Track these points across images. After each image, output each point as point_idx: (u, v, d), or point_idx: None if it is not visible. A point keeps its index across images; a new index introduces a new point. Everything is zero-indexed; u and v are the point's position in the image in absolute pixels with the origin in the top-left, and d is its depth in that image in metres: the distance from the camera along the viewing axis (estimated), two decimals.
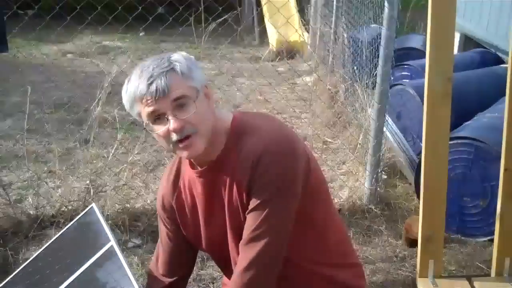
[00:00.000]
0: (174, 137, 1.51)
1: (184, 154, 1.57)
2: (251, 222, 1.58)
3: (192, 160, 1.67)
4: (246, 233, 1.59)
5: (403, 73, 5.34)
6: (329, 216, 1.79)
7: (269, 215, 1.56)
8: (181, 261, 1.87)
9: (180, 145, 1.54)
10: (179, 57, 1.54)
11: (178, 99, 1.49)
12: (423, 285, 2.79)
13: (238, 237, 1.65)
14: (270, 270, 1.60)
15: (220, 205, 1.66)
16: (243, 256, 1.60)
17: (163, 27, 4.20)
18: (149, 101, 1.48)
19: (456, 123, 3.85)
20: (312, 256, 1.74)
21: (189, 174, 1.71)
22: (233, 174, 1.59)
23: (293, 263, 1.69)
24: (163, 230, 1.86)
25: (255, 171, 1.54)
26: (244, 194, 1.58)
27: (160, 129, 1.52)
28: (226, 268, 1.82)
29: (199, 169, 1.66)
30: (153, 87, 1.46)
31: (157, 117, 1.51)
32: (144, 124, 1.56)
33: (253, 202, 1.56)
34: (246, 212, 1.59)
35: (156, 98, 1.47)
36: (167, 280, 1.85)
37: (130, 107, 1.55)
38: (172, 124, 1.49)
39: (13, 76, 5.38)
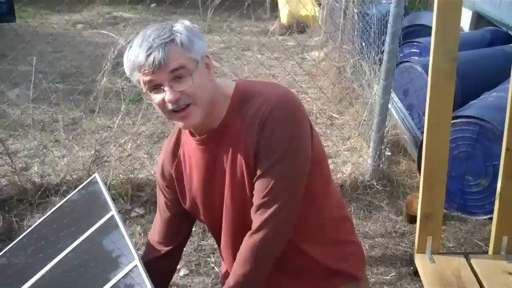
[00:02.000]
0: (170, 106, 1.52)
1: (181, 124, 1.58)
2: (262, 185, 1.56)
3: (191, 129, 1.68)
4: (258, 197, 1.57)
5: (412, 50, 5.30)
6: (329, 191, 1.79)
7: (281, 177, 1.55)
8: (178, 230, 1.88)
9: (177, 115, 1.55)
10: (181, 28, 1.53)
11: (175, 70, 1.49)
12: (420, 260, 2.82)
13: (236, 209, 1.65)
14: (282, 232, 1.60)
15: (220, 175, 1.65)
16: (256, 220, 1.58)
17: None
18: (146, 71, 1.49)
19: (463, 102, 3.84)
20: (309, 233, 1.73)
21: (189, 143, 1.72)
22: (237, 141, 1.59)
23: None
24: (161, 199, 1.87)
25: (263, 132, 1.54)
26: (251, 158, 1.57)
27: (157, 98, 1.53)
28: (222, 242, 1.81)
29: (199, 137, 1.67)
30: (151, 58, 1.47)
31: (155, 86, 1.52)
32: (143, 91, 1.57)
33: (263, 165, 1.55)
34: (255, 178, 1.58)
35: (154, 69, 1.48)
36: (163, 248, 1.86)
37: (130, 74, 1.56)
38: (167, 95, 1.50)
39: (22, 46, 5.40)
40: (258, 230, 1.58)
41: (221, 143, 1.63)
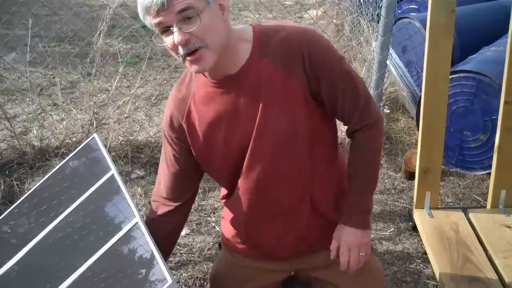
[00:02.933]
0: (181, 50, 1.47)
1: (193, 68, 1.52)
2: (336, 94, 1.62)
3: (206, 74, 1.62)
4: (351, 106, 1.65)
5: (411, 6, 5.24)
6: (339, 146, 1.83)
7: (344, 76, 1.62)
8: (186, 185, 1.83)
9: (189, 59, 1.50)
10: None
11: (183, 11, 1.43)
12: (419, 215, 2.85)
13: (282, 138, 1.63)
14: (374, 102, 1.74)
15: (246, 114, 1.61)
16: (359, 121, 1.68)
17: None
18: (153, 13, 1.44)
19: (462, 58, 3.81)
20: (327, 189, 1.78)
21: (203, 89, 1.66)
22: (271, 78, 1.57)
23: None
24: (169, 152, 1.80)
25: (303, 55, 1.56)
26: (301, 87, 1.58)
27: (168, 41, 1.48)
28: (232, 188, 1.80)
29: (218, 80, 1.62)
30: None
31: (165, 29, 1.47)
32: (156, 34, 1.52)
33: (323, 81, 1.59)
34: (328, 100, 1.62)
35: (160, 10, 1.43)
36: (172, 204, 1.83)
37: (143, 17, 1.51)
38: (176, 37, 1.45)
39: (17, 9, 5.34)
40: (371, 124, 1.69)
41: (245, 83, 1.59)
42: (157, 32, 1.51)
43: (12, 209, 2.27)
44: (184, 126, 1.72)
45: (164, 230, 1.83)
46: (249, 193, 1.74)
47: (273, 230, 1.80)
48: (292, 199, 1.74)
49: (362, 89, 1.67)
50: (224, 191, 1.89)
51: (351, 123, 1.70)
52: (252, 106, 1.60)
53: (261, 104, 1.59)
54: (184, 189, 1.84)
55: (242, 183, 1.74)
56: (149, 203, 3.11)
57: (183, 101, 1.71)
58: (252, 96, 1.60)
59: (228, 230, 1.92)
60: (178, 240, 2.86)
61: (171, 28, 1.46)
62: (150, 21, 1.48)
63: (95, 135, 2.36)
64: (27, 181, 3.33)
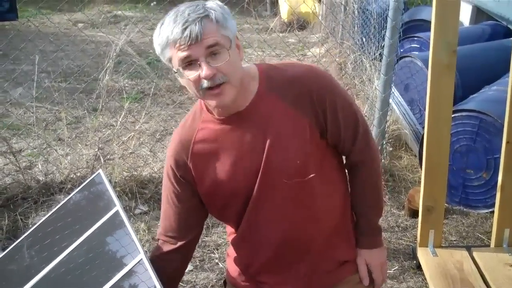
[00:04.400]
0: (205, 84, 1.52)
1: (214, 102, 1.57)
2: (348, 132, 1.69)
3: (213, 111, 1.66)
4: (350, 140, 1.70)
5: (413, 45, 5.31)
6: (342, 170, 1.85)
7: (347, 110, 1.68)
8: (191, 223, 1.84)
9: (211, 92, 1.54)
10: (214, 5, 1.54)
11: (211, 47, 1.49)
12: (423, 254, 2.84)
13: (293, 171, 1.65)
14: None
15: (254, 149, 1.64)
16: (359, 156, 1.75)
17: None
18: (182, 46, 1.48)
19: (463, 96, 3.85)
20: (333, 217, 1.79)
21: (209, 127, 1.69)
22: (281, 115, 1.62)
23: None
24: (172, 192, 1.81)
25: (310, 92, 1.61)
26: (309, 123, 1.63)
27: (191, 74, 1.52)
28: (238, 225, 1.80)
29: (223, 117, 1.65)
30: (188, 32, 1.46)
31: (190, 62, 1.51)
32: (174, 69, 1.56)
33: (329, 116, 1.64)
34: (331, 134, 1.67)
35: (190, 43, 1.47)
36: (177, 242, 1.83)
37: (162, 50, 1.55)
38: (204, 70, 1.49)
39: (24, 45, 5.43)
40: (368, 158, 1.77)
41: (253, 118, 1.63)
42: (176, 66, 1.54)
43: (17, 243, 2.27)
44: (190, 163, 1.73)
45: (168, 268, 1.84)
46: (256, 230, 1.74)
47: (283, 267, 1.79)
48: (302, 234, 1.74)
49: (362, 122, 1.73)
50: (230, 229, 1.90)
51: (351, 154, 1.76)
52: (259, 141, 1.63)
53: (268, 139, 1.62)
54: (188, 228, 1.85)
55: (249, 220, 1.74)
56: (153, 238, 3.11)
57: (188, 139, 1.73)
58: (260, 130, 1.63)
59: (233, 268, 1.92)
60: None
61: (198, 62, 1.50)
62: (173, 54, 1.52)
63: (100, 170, 2.37)
64: (31, 216, 3.33)
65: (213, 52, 1.50)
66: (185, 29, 1.47)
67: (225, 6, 1.58)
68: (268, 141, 1.62)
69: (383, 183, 3.69)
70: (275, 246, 1.75)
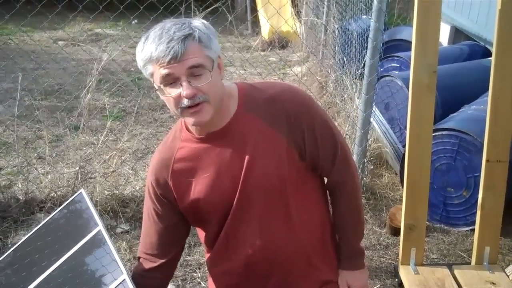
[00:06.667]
0: (185, 102, 1.53)
1: (191, 120, 1.58)
2: (326, 151, 1.70)
3: (192, 130, 1.68)
4: (329, 159, 1.71)
5: (393, 64, 5.38)
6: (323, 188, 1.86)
7: (326, 130, 1.70)
8: (172, 240, 1.85)
9: (190, 111, 1.55)
10: (199, 25, 1.55)
11: (194, 67, 1.50)
12: (404, 271, 2.85)
13: (271, 187, 1.66)
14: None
15: (230, 167, 1.65)
16: (337, 175, 1.76)
17: (155, 15, 4.22)
18: (165, 64, 1.49)
19: (443, 115, 3.90)
20: (314, 231, 1.80)
21: (189, 146, 1.70)
22: (259, 134, 1.63)
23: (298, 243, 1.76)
24: (153, 210, 1.82)
25: (288, 113, 1.63)
26: (287, 142, 1.63)
27: (173, 92, 1.53)
28: (215, 242, 1.80)
29: (202, 136, 1.67)
30: (171, 50, 1.47)
31: (171, 80, 1.52)
32: (155, 85, 1.57)
33: (307, 135, 1.65)
34: (309, 153, 1.67)
35: (173, 62, 1.48)
36: (158, 260, 1.83)
37: (144, 65, 1.55)
38: (185, 90, 1.50)
39: (5, 63, 5.39)
40: (348, 179, 1.78)
41: (232, 137, 1.65)
42: (157, 83, 1.55)
43: None
44: (170, 182, 1.73)
45: (149, 287, 1.83)
46: (234, 247, 1.75)
47: (267, 283, 1.79)
48: (281, 252, 1.74)
49: (341, 143, 1.74)
50: (208, 249, 1.89)
51: (330, 174, 1.77)
52: (237, 159, 1.64)
53: (246, 157, 1.63)
54: (169, 246, 1.85)
55: (227, 236, 1.75)
56: (134, 258, 3.09)
57: (168, 159, 1.74)
58: (238, 149, 1.64)
59: (215, 286, 1.91)
60: None
61: (179, 81, 1.51)
62: (155, 70, 1.53)
63: (82, 189, 2.36)
64: (10, 236, 3.29)
65: (194, 73, 1.51)
66: (169, 47, 1.47)
67: (211, 26, 1.59)
68: (246, 159, 1.63)
69: (364, 201, 3.74)
70: (254, 264, 1.75)
